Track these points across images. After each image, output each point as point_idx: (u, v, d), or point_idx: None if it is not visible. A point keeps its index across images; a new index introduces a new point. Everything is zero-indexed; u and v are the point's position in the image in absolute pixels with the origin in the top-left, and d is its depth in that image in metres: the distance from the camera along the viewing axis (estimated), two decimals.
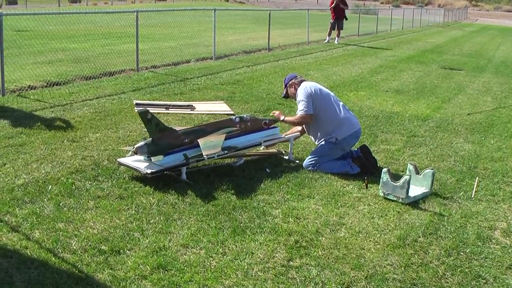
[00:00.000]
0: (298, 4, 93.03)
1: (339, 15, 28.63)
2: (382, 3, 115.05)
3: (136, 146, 7.19)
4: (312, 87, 8.39)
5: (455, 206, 7.00)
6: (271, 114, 8.90)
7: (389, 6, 69.38)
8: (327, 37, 29.21)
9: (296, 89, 8.52)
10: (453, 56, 25.82)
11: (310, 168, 8.05)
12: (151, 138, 7.21)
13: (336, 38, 29.05)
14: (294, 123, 8.64)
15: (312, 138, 8.60)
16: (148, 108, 7.57)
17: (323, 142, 8.27)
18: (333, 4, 28.73)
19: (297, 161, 8.32)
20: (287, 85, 8.71)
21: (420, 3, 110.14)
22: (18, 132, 9.08)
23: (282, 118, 8.56)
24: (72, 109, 11.01)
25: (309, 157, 8.20)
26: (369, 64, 20.88)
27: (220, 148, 7.32)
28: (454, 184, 7.79)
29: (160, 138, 7.23)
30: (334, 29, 28.98)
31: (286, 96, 8.84)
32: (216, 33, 19.93)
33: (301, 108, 8.28)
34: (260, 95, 13.29)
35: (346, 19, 29.65)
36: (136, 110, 10.03)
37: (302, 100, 8.26)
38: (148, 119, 7.12)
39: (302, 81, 8.63)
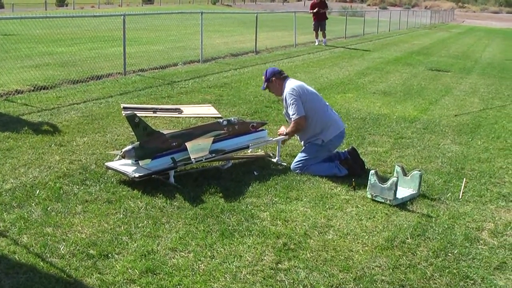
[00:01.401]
0: (285, 6, 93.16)
1: (320, 17, 28.68)
2: (369, 5, 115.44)
3: (123, 150, 7.19)
4: (299, 87, 8.24)
5: (443, 207, 7.02)
6: (279, 133, 8.70)
7: (375, 8, 69.55)
8: (316, 40, 29.27)
9: (280, 87, 8.40)
10: (440, 58, 25.90)
11: (297, 171, 8.02)
12: (138, 142, 7.20)
13: (323, 39, 29.10)
14: (294, 132, 8.41)
15: (298, 138, 8.57)
16: (135, 112, 7.56)
17: (308, 144, 8.26)
18: (314, 10, 28.76)
19: (285, 164, 8.33)
20: (269, 79, 8.48)
21: (406, 5, 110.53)
22: (5, 136, 9.05)
23: (285, 133, 8.49)
24: (59, 113, 10.98)
25: (296, 159, 8.17)
26: (356, 66, 20.93)
27: (208, 151, 7.33)
28: (442, 185, 7.81)
29: (148, 141, 7.22)
30: (318, 31, 29.04)
31: (266, 89, 8.65)
32: (203, 36, 19.93)
33: (293, 112, 8.13)
34: (248, 98, 13.29)
35: (327, 18, 29.72)
36: (123, 114, 10.03)
37: (293, 104, 8.12)
38: (135, 123, 7.11)
39: (285, 78, 8.48)
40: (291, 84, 8.31)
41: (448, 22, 77.10)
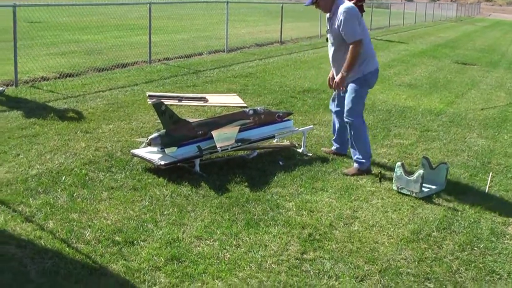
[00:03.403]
0: None
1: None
2: None
3: (150, 137, 7.20)
4: (353, 7, 7.45)
5: (469, 201, 6.94)
6: (334, 81, 7.73)
7: (401, 0, 68.97)
8: None
9: (331, 2, 7.45)
10: (466, 51, 25.71)
11: (349, 119, 7.65)
12: (164, 130, 7.21)
13: None
14: (354, 61, 7.39)
15: (334, 70, 7.83)
16: (161, 100, 7.56)
17: (350, 80, 7.59)
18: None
19: (310, 154, 8.30)
20: None
21: None
22: (31, 123, 9.10)
23: (343, 74, 7.48)
24: (85, 100, 11.02)
25: (346, 106, 7.67)
26: (382, 58, 20.75)
27: (234, 141, 7.31)
28: (468, 179, 7.76)
29: (174, 129, 7.23)
30: None
31: (313, 3, 7.53)
32: (228, 25, 19.89)
33: (351, 33, 7.32)
34: (273, 88, 13.26)
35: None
36: (150, 102, 10.04)
37: (352, 23, 7.32)
38: (162, 111, 7.12)
39: None
40: (346, 3, 7.46)
41: (474, 15, 76.59)
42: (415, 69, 18.46)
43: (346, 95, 7.69)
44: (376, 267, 5.18)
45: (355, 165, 7.72)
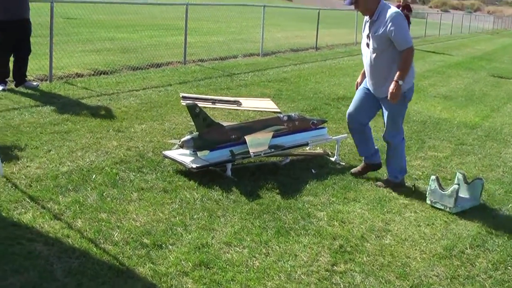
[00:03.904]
0: (342, 4, 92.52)
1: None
2: (430, 7, 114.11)
3: (182, 139, 7.14)
4: (400, 13, 6.97)
5: (503, 218, 6.83)
6: (390, 92, 6.92)
7: (437, 11, 68.70)
8: None
9: (375, 3, 6.89)
10: (502, 64, 25.41)
11: (391, 140, 7.39)
12: (198, 133, 7.15)
13: None
14: (407, 67, 6.90)
15: (372, 78, 7.27)
16: (196, 102, 7.51)
17: (386, 99, 7.07)
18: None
19: (343, 163, 8.19)
20: None
21: (469, 9, 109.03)
22: (64, 119, 9.09)
23: (398, 83, 6.85)
24: (118, 98, 11.02)
25: (387, 124, 7.34)
26: (417, 68, 20.32)
27: (267, 146, 7.24)
28: (503, 196, 7.61)
29: (207, 133, 7.17)
30: None
31: (352, 3, 6.95)
32: (264, 29, 19.83)
33: (404, 39, 6.85)
34: (307, 95, 13.16)
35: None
36: (184, 104, 10.00)
37: (403, 29, 6.89)
38: (196, 113, 7.06)
39: None
40: (394, 7, 6.94)
41: (511, 28, 75.80)
42: (451, 81, 18.26)
43: (385, 112, 7.28)
44: (408, 283, 5.08)
45: (389, 178, 7.51)
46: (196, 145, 7.07)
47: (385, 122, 7.35)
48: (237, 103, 11.45)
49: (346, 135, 8.63)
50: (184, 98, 11.25)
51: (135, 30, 21.42)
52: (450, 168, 8.55)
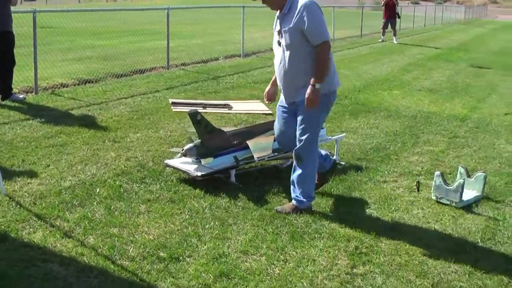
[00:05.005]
0: (319, 1, 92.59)
1: (390, 13, 28.78)
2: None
3: (185, 148, 7.07)
4: (316, 3, 6.05)
5: (508, 210, 6.83)
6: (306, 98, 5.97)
7: (408, 3, 68.90)
8: (382, 37, 29.64)
9: None
10: (479, 54, 25.53)
11: (303, 154, 6.26)
12: (200, 140, 7.08)
13: (394, 38, 29.19)
14: (325, 65, 5.98)
15: (287, 81, 6.25)
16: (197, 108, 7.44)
17: (302, 103, 6.11)
18: (384, 1, 29.20)
19: (343, 163, 8.15)
20: None
21: (438, 1, 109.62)
22: (57, 131, 8.99)
23: (314, 84, 5.92)
24: (108, 107, 10.92)
25: (298, 135, 6.24)
26: (398, 62, 20.68)
27: (270, 150, 7.18)
28: (504, 187, 7.61)
29: (209, 139, 7.10)
30: (387, 28, 29.34)
31: None
32: (244, 30, 19.77)
33: (321, 30, 5.94)
34: None
35: (399, 17, 29.91)
36: (175, 110, 9.93)
37: (317, 19, 5.93)
38: (197, 120, 6.99)
39: None
40: None
41: (481, 17, 76.40)
42: (433, 73, 18.31)
43: (299, 119, 6.24)
44: (428, 281, 5.05)
45: (293, 202, 6.38)
46: (199, 152, 7.00)
47: (299, 132, 6.25)
48: (228, 106, 11.39)
49: (344, 134, 8.62)
50: (174, 104, 11.17)
51: (113, 37, 21.20)
52: (448, 162, 8.56)
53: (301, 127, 6.20)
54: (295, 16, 5.89)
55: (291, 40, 6.00)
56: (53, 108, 10.70)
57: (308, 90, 5.93)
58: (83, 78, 13.64)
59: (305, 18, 5.83)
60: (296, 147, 6.26)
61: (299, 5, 5.89)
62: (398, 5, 30.55)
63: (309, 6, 5.86)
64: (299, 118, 6.21)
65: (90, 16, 19.54)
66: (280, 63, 6.24)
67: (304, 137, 6.17)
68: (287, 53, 6.10)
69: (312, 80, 5.92)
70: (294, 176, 6.38)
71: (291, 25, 5.94)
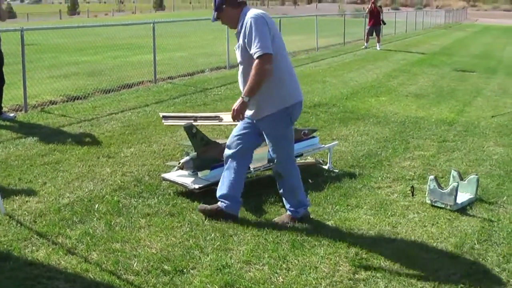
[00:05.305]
0: (297, 10, 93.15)
1: (375, 20, 28.91)
2: (380, 6, 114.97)
3: (182, 161, 7.13)
4: (266, 15, 6.00)
5: (502, 211, 6.94)
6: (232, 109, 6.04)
7: (388, 9, 69.26)
8: (365, 44, 29.78)
9: (236, 15, 6.07)
10: (462, 58, 25.73)
11: (292, 171, 6.41)
12: (196, 153, 7.13)
13: (377, 44, 29.23)
14: (258, 82, 5.79)
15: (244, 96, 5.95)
16: (192, 122, 7.49)
17: (274, 111, 6.09)
18: (369, 8, 29.39)
19: (337, 171, 8.23)
20: (219, 8, 6.10)
21: (418, 5, 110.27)
22: (51, 149, 9.01)
23: (243, 99, 5.89)
24: (99, 123, 10.95)
25: (270, 148, 6.39)
26: (383, 68, 20.79)
27: (266, 161, 7.26)
28: (496, 189, 7.72)
29: (205, 152, 7.15)
30: (371, 35, 29.42)
31: (217, 20, 6.25)
32: (229, 41, 19.84)
33: (257, 45, 5.73)
34: None
35: (384, 23, 30.08)
36: (166, 124, 9.98)
37: (259, 33, 5.76)
38: (193, 133, 7.05)
39: (242, 4, 6.11)
40: (254, 11, 6.00)
41: (461, 21, 76.79)
42: (418, 79, 18.44)
43: (266, 138, 6.34)
44: (430, 284, 5.13)
45: (288, 213, 6.47)
46: (196, 165, 7.07)
47: (271, 150, 6.41)
48: (218, 118, 11.44)
49: (336, 142, 8.70)
50: (165, 117, 11.20)
51: (97, 52, 21.29)
52: (439, 166, 8.66)
53: (271, 147, 6.33)
54: (242, 32, 5.93)
55: (241, 56, 6.04)
56: (44, 125, 10.72)
57: (237, 101, 5.94)
58: (71, 94, 13.65)
59: (246, 32, 5.83)
60: (274, 166, 6.49)
61: (246, 19, 5.91)
62: (383, 12, 30.69)
63: (250, 20, 5.84)
64: (266, 137, 6.32)
65: (73, 32, 19.51)
66: (239, 76, 6.29)
67: (276, 155, 6.32)
68: (241, 68, 6.15)
69: (243, 92, 5.90)
70: (281, 191, 6.48)
71: (240, 42, 5.99)
